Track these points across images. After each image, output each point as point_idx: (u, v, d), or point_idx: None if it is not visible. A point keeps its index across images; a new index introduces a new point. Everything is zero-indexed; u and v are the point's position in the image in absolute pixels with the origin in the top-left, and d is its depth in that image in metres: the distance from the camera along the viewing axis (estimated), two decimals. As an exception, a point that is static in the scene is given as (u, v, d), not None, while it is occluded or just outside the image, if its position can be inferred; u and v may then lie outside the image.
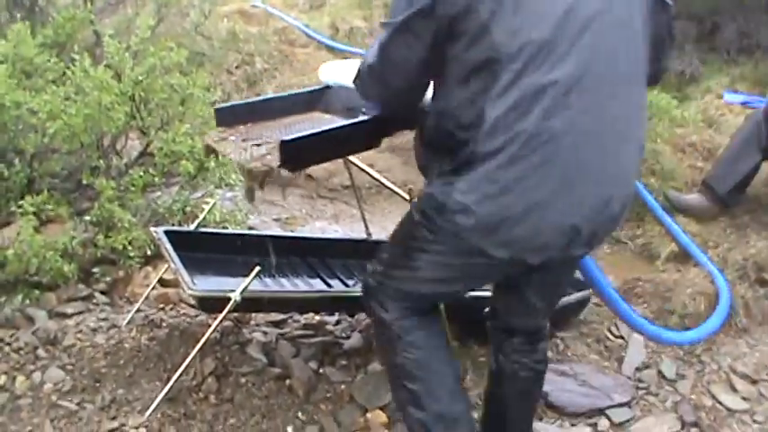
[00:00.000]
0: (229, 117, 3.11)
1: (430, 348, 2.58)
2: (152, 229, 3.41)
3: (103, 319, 3.53)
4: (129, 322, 3.48)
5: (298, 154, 2.70)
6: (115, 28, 5.92)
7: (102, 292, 3.75)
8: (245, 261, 3.31)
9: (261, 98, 3.34)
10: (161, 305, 3.68)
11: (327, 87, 3.24)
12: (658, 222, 4.80)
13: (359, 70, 2.52)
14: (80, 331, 3.44)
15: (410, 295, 2.55)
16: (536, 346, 2.78)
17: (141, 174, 3.89)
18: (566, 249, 2.31)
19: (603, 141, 2.24)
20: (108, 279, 3.79)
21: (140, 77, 3.94)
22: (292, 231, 4.68)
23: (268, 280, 3.31)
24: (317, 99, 3.28)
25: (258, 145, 2.90)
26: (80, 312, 3.57)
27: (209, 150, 3.05)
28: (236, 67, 6.91)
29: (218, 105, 3.23)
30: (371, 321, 2.72)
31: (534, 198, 2.19)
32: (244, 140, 2.96)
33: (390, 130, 2.95)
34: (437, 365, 2.58)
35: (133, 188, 3.85)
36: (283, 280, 3.36)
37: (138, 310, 3.54)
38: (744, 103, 6.18)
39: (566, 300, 3.80)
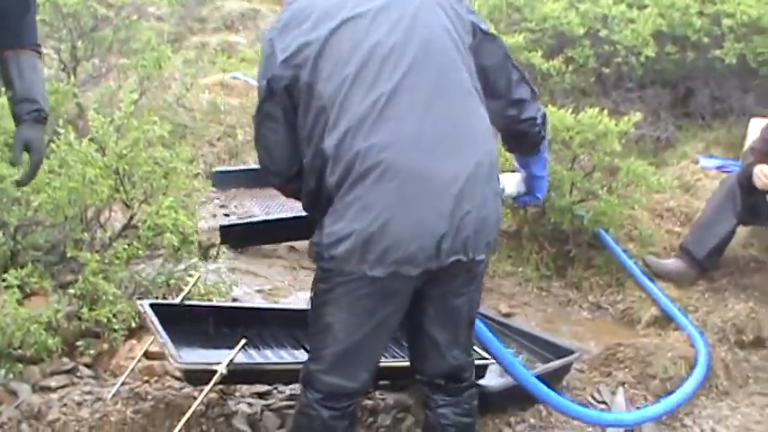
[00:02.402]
0: (224, 181, 3.32)
1: None
2: (138, 302, 3.43)
3: (88, 393, 3.51)
4: (114, 395, 3.47)
5: (234, 237, 3.10)
6: (98, 101, 6.00)
7: (87, 366, 3.74)
8: (231, 333, 3.32)
9: (255, 167, 3.53)
10: (146, 378, 3.67)
11: None
12: (638, 287, 4.86)
13: None
14: (64, 405, 3.41)
15: (336, 361, 2.63)
16: (460, 398, 2.83)
17: (125, 246, 3.91)
18: (438, 256, 2.43)
19: (432, 148, 2.43)
20: (92, 352, 3.77)
21: (124, 151, 3.99)
22: (276, 302, 4.70)
23: (253, 352, 3.32)
24: None
25: (227, 215, 3.09)
26: (64, 386, 3.55)
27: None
28: (218, 139, 6.96)
29: (216, 168, 3.44)
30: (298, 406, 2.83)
31: (385, 210, 2.39)
32: (222, 206, 3.15)
33: None
34: None
35: (117, 261, 3.86)
36: (268, 351, 3.37)
37: (124, 383, 3.52)
38: (719, 168, 6.28)
39: (548, 366, 3.84)
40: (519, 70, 2.80)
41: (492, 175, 2.57)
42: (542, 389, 3.40)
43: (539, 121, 2.87)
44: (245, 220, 3.09)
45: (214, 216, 3.11)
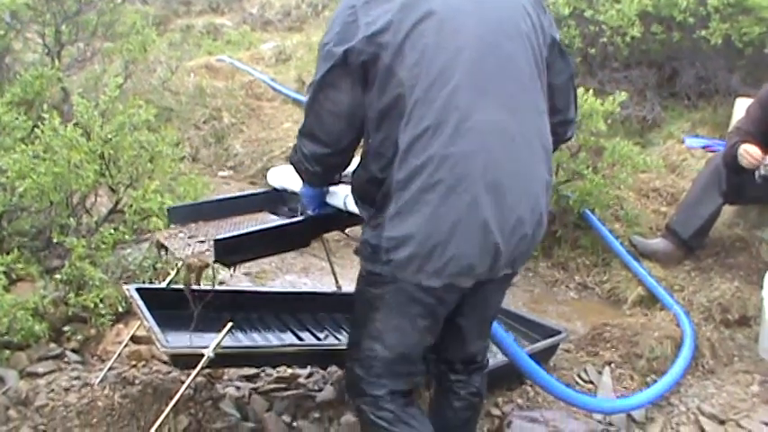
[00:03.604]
0: (182, 216, 3.31)
1: None
2: (124, 286, 3.42)
3: (76, 378, 3.51)
4: (101, 380, 3.47)
5: (230, 251, 2.93)
6: (83, 85, 5.98)
7: (74, 351, 3.74)
8: (218, 317, 3.32)
9: (212, 199, 3.55)
10: (133, 362, 3.68)
11: (275, 190, 3.46)
12: (624, 267, 4.87)
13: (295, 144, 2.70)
14: (52, 391, 3.41)
15: (387, 367, 2.62)
16: (471, 378, 2.89)
17: (111, 231, 3.91)
18: (491, 270, 2.46)
19: (510, 163, 2.41)
20: (79, 337, 3.78)
21: (109, 136, 3.98)
22: (263, 285, 4.71)
23: (240, 335, 3.33)
24: (264, 201, 3.52)
25: (202, 242, 3.12)
26: (51, 371, 3.56)
27: (160, 246, 3.22)
28: (204, 122, 6.97)
29: (171, 205, 3.45)
30: (358, 420, 2.79)
31: (455, 219, 2.35)
32: (190, 237, 3.16)
33: (319, 230, 3.23)
34: None
35: (104, 246, 3.86)
36: (255, 334, 3.38)
37: (111, 368, 3.53)
38: (705, 147, 6.29)
39: (535, 346, 3.86)
40: (575, 90, 2.80)
41: (548, 191, 2.59)
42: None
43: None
44: (242, 231, 3.05)
45: (189, 245, 3.09)
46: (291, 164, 2.77)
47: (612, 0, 6.82)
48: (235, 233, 2.98)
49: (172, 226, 3.31)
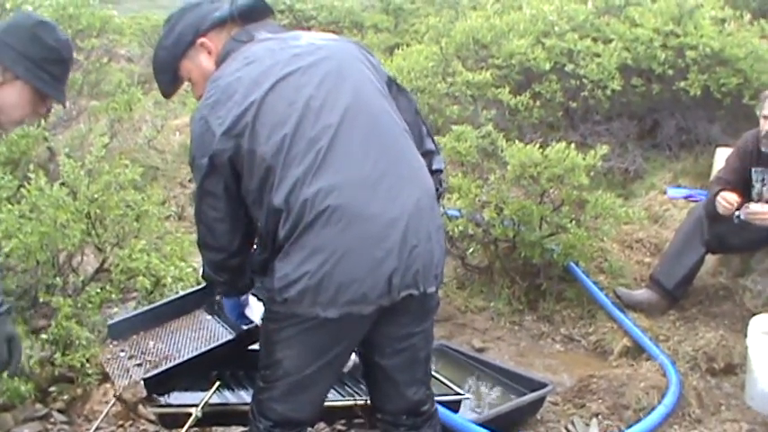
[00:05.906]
0: (121, 330, 3.37)
1: None
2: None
3: (62, 439, 3.51)
4: (88, 441, 3.46)
5: (160, 384, 2.99)
6: (69, 144, 6.00)
7: (60, 411, 3.73)
8: (205, 374, 3.32)
9: (148, 308, 3.61)
10: (120, 422, 3.66)
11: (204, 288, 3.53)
12: (610, 318, 4.89)
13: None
14: (37, 452, 3.41)
15: (287, 398, 2.69)
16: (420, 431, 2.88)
17: (98, 290, 3.91)
18: (390, 293, 2.49)
19: (374, 188, 2.49)
20: (66, 397, 3.77)
21: (96, 195, 4.00)
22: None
23: (227, 393, 3.32)
24: (197, 300, 3.56)
25: (139, 365, 3.16)
26: (38, 432, 3.55)
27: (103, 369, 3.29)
28: (189, 181, 6.97)
29: (109, 322, 3.49)
30: None
31: (334, 252, 2.44)
32: (130, 358, 3.20)
33: (247, 344, 3.20)
34: None
35: (90, 305, 3.87)
36: (242, 392, 3.36)
37: (98, 428, 3.51)
38: (687, 197, 6.34)
39: (522, 399, 3.87)
40: (425, 124, 2.88)
41: (433, 210, 2.64)
42: None
43: (443, 175, 2.95)
44: (166, 366, 3.09)
45: (128, 371, 3.13)
46: (204, 279, 2.98)
47: (592, 54, 6.91)
48: (162, 368, 3.03)
49: (113, 343, 3.35)
